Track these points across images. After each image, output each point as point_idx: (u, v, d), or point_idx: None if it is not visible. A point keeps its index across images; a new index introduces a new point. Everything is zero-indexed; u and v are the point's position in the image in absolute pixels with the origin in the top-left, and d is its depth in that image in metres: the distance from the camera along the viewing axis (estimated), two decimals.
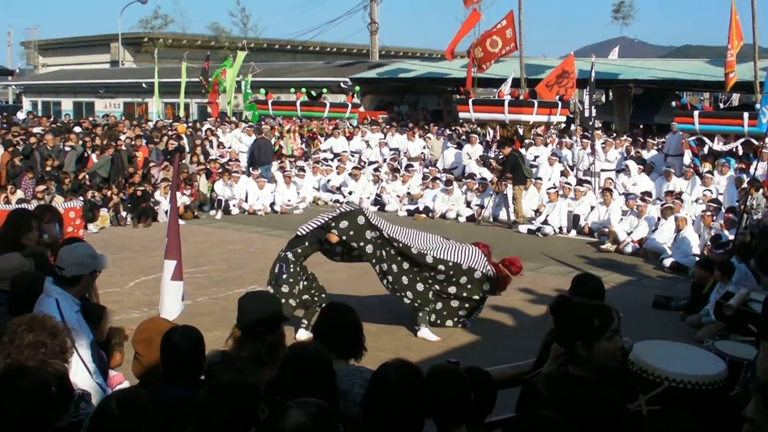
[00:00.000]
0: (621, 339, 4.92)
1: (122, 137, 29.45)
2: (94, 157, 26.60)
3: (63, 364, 4.87)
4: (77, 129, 33.24)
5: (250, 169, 28.44)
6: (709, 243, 17.73)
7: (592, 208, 23.01)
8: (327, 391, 4.44)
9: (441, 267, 12.78)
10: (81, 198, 20.99)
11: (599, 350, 4.73)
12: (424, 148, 31.50)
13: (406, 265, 12.82)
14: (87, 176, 24.60)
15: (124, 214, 23.46)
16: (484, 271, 13.04)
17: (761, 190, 18.67)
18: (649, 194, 22.07)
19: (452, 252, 12.99)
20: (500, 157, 24.47)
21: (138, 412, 3.84)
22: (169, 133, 32.28)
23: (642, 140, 29.35)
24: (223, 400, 4.14)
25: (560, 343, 5.03)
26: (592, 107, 27.00)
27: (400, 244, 12.70)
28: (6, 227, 8.07)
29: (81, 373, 5.67)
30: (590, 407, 4.47)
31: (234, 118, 37.49)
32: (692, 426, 4.20)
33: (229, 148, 31.82)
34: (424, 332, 12.82)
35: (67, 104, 56.20)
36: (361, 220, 12.64)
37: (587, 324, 4.78)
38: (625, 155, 26.79)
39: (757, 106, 22.53)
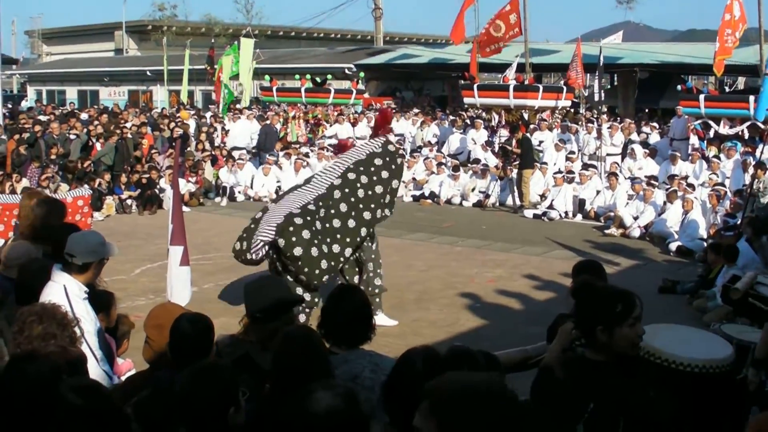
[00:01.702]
0: (642, 327, 4.89)
1: (127, 125, 29.44)
2: (98, 145, 26.60)
3: (81, 350, 4.88)
4: (83, 116, 33.27)
5: (263, 153, 28.48)
6: (716, 225, 17.77)
7: (598, 192, 23.00)
8: (321, 373, 4.45)
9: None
10: (87, 186, 21.02)
11: (620, 336, 4.70)
12: (434, 135, 31.42)
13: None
14: (92, 164, 24.58)
15: (129, 201, 23.47)
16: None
17: (767, 173, 18.64)
18: (654, 178, 22.03)
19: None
20: (514, 141, 24.41)
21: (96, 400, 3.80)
22: (175, 120, 32.27)
23: (639, 123, 29.31)
24: (202, 382, 4.14)
25: (579, 328, 5.01)
26: (601, 92, 26.93)
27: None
28: (39, 214, 8.08)
29: (89, 361, 5.67)
30: (606, 392, 4.49)
31: (239, 106, 37.43)
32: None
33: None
34: (382, 319, 12.34)
35: (71, 93, 56.15)
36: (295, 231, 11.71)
37: (609, 309, 4.75)
38: (628, 139, 26.76)
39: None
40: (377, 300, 12.65)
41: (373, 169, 12.50)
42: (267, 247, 11.85)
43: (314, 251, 11.57)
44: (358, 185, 12.29)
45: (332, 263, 11.88)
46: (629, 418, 4.24)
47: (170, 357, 5.20)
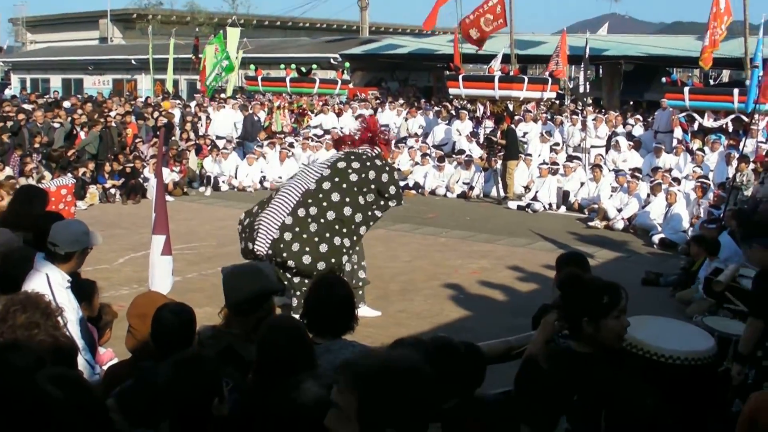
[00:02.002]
0: (626, 319, 4.90)
1: (112, 114, 29.34)
2: (82, 134, 26.49)
3: (72, 340, 4.86)
4: (66, 104, 33.14)
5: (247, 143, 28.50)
6: (699, 217, 17.84)
7: (582, 184, 23.04)
8: (305, 363, 4.45)
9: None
10: (71, 175, 20.94)
11: (605, 328, 4.71)
12: (420, 126, 31.42)
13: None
14: (76, 153, 24.49)
15: (113, 191, 23.40)
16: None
17: (750, 166, 18.72)
18: (638, 170, 22.09)
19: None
20: (499, 132, 24.43)
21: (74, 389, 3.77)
22: (160, 109, 32.18)
23: (624, 115, 29.36)
24: (185, 373, 4.14)
25: (564, 319, 5.02)
26: (587, 83, 26.97)
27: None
28: (19, 202, 8.06)
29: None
30: (591, 384, 4.50)
31: (223, 95, 37.34)
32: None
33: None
34: (365, 311, 12.19)
35: (55, 81, 55.87)
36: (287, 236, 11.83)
37: (595, 301, 4.76)
38: (613, 131, 26.82)
39: (747, 82, 22.52)
40: (360, 293, 12.53)
41: (364, 157, 12.42)
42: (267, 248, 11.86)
43: (306, 259, 11.59)
44: (349, 171, 12.18)
45: (334, 258, 11.85)
46: (611, 410, 4.25)
47: (152, 347, 5.19)
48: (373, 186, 12.22)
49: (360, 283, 12.73)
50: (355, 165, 12.27)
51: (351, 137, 13.10)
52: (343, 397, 3.10)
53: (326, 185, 12.07)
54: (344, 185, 12.10)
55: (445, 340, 4.93)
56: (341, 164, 12.32)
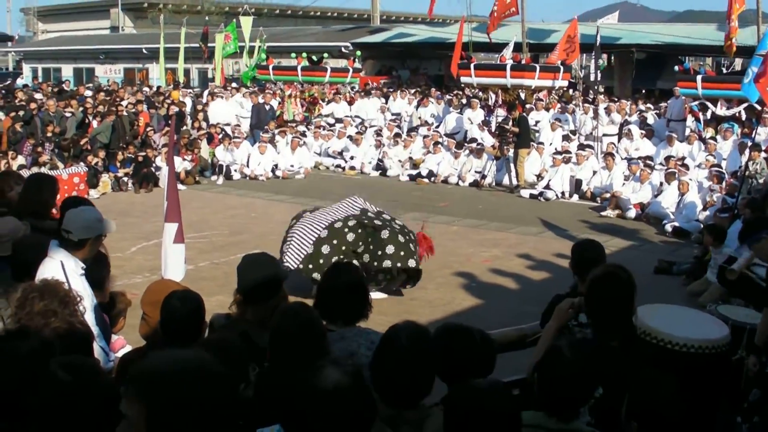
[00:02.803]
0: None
1: (123, 103, 29.36)
2: (95, 123, 26.49)
3: (89, 328, 4.87)
4: (86, 92, 33.17)
5: (257, 132, 28.51)
6: (713, 204, 17.84)
7: (595, 172, 22.99)
8: (318, 350, 4.46)
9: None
10: (83, 164, 20.98)
11: None
12: (431, 115, 31.33)
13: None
14: (88, 142, 24.51)
15: (125, 179, 23.43)
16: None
17: (763, 155, 18.65)
18: (650, 158, 22.06)
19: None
20: (511, 119, 24.39)
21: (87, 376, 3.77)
22: (170, 98, 32.21)
23: (636, 103, 29.24)
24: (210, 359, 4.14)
25: (590, 309, 5.11)
26: (598, 72, 26.90)
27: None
28: (29, 190, 8.07)
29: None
30: (614, 374, 4.53)
31: (234, 84, 37.33)
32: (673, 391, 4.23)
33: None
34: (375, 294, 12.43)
35: (67, 70, 55.91)
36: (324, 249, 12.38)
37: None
38: (625, 120, 26.77)
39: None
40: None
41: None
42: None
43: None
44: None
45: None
46: (631, 399, 4.26)
47: (161, 335, 5.20)
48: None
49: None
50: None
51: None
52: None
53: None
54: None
55: (458, 326, 4.94)
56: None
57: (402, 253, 12.54)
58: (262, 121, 29.25)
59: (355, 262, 11.58)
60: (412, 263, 12.62)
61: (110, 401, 3.50)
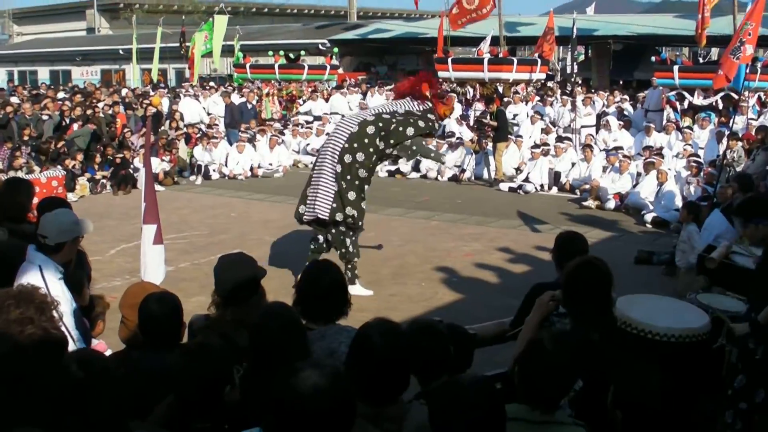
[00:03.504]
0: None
1: (100, 104, 29.23)
2: (75, 126, 26.30)
3: (63, 333, 4.83)
4: (60, 95, 33.02)
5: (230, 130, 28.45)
6: (689, 195, 17.91)
7: (573, 164, 23.04)
8: (299, 349, 4.45)
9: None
10: (61, 167, 20.86)
11: None
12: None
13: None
14: (65, 144, 24.36)
15: (104, 181, 23.32)
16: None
17: (740, 143, 18.72)
18: (620, 149, 22.20)
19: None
20: (489, 113, 24.41)
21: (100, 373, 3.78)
22: (149, 97, 32.09)
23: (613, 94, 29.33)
24: (196, 362, 4.15)
25: (568, 300, 5.12)
26: (574, 64, 26.96)
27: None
28: (5, 195, 8.02)
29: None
30: (596, 366, 4.54)
31: (212, 83, 37.26)
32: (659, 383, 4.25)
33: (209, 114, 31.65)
34: (356, 289, 12.54)
35: (43, 73, 55.74)
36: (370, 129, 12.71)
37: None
38: (602, 111, 26.86)
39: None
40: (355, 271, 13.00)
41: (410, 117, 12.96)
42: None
43: (364, 204, 12.82)
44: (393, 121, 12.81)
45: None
46: (618, 388, 4.28)
47: (140, 338, 5.19)
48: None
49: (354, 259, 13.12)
50: (400, 117, 12.88)
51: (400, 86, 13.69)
52: None
53: (370, 129, 12.66)
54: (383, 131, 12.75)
55: (426, 322, 4.95)
56: (386, 116, 12.91)
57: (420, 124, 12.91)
58: (236, 120, 29.18)
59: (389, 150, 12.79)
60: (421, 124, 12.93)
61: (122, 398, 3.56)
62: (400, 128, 12.68)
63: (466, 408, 3.62)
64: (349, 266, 12.86)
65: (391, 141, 12.69)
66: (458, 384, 3.81)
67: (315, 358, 4.63)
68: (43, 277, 5.84)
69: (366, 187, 12.75)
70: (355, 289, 12.29)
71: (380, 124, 12.62)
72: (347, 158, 12.50)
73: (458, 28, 29.74)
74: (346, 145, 12.51)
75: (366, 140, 12.53)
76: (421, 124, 12.87)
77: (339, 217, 12.55)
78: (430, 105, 13.05)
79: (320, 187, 12.62)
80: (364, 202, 12.76)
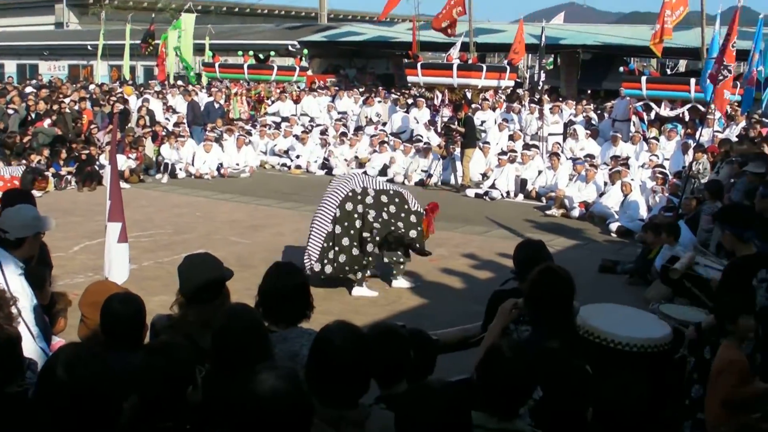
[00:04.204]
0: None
1: (66, 100, 29.05)
2: (45, 124, 26.05)
3: (16, 329, 4.79)
4: (27, 89, 32.80)
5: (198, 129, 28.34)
6: (656, 205, 18.02)
7: (540, 172, 23.12)
8: (261, 351, 4.44)
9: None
10: (24, 164, 20.73)
11: None
12: (377, 115, 31.31)
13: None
14: (31, 139, 24.18)
15: (69, 177, 23.16)
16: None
17: (706, 155, 18.86)
18: (591, 156, 22.31)
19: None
20: (457, 119, 24.45)
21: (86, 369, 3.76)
22: (116, 95, 31.94)
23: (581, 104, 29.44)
24: (158, 362, 4.13)
25: (530, 306, 5.13)
26: (542, 72, 27.08)
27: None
28: None
29: (24, 338, 5.57)
30: (555, 373, 4.54)
31: (180, 82, 37.13)
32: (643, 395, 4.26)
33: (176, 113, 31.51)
34: (360, 291, 13.30)
35: (10, 66, 55.23)
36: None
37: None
38: (570, 120, 26.98)
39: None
40: (401, 267, 13.82)
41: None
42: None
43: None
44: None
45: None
46: (599, 407, 4.27)
47: (102, 338, 5.15)
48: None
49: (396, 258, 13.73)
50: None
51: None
52: None
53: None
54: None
55: (387, 327, 4.95)
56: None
57: (410, 220, 13.50)
58: (198, 117, 29.06)
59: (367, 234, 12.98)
60: (413, 234, 13.43)
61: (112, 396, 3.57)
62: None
63: (433, 413, 3.61)
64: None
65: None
66: (426, 389, 3.80)
67: (276, 360, 4.62)
68: (2, 272, 5.79)
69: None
70: (398, 282, 13.70)
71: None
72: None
73: (455, 34, 29.88)
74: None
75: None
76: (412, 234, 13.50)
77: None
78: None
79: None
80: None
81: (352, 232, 12.99)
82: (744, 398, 5.93)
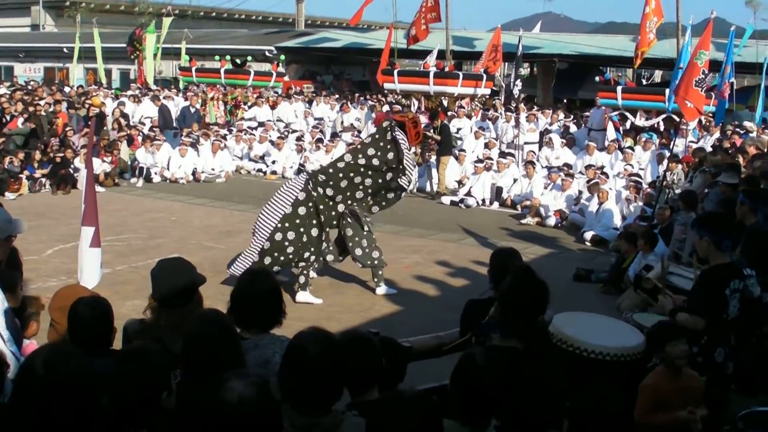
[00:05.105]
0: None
1: (41, 102, 28.89)
2: (20, 122, 25.89)
3: None
4: (1, 90, 32.60)
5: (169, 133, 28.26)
6: (630, 215, 18.08)
7: (515, 180, 23.16)
8: (233, 357, 4.42)
9: None
10: None
11: None
12: (356, 119, 31.32)
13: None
14: (4, 141, 24.04)
15: (43, 180, 23.04)
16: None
17: (680, 166, 18.96)
18: (568, 166, 22.33)
19: None
20: (433, 127, 24.46)
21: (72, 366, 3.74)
22: (90, 97, 31.77)
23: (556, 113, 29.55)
24: (133, 367, 4.11)
25: (504, 313, 5.14)
26: (518, 81, 27.15)
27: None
28: None
29: None
30: (529, 379, 4.53)
31: (155, 86, 37.02)
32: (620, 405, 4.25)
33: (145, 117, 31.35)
34: (304, 296, 13.20)
35: None
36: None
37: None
38: (545, 129, 27.09)
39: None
40: (380, 273, 13.83)
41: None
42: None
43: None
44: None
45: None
46: (573, 417, 4.25)
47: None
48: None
49: (376, 263, 13.75)
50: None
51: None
52: None
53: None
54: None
55: (359, 334, 4.94)
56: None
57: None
58: (169, 122, 28.99)
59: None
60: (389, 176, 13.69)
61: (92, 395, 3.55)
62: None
63: (404, 422, 3.61)
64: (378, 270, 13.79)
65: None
66: (398, 398, 3.80)
67: (248, 367, 4.61)
68: None
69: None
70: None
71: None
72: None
73: (421, 40, 29.97)
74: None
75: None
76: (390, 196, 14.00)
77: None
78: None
79: None
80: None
81: (314, 221, 13.26)
82: (658, 424, 5.81)
